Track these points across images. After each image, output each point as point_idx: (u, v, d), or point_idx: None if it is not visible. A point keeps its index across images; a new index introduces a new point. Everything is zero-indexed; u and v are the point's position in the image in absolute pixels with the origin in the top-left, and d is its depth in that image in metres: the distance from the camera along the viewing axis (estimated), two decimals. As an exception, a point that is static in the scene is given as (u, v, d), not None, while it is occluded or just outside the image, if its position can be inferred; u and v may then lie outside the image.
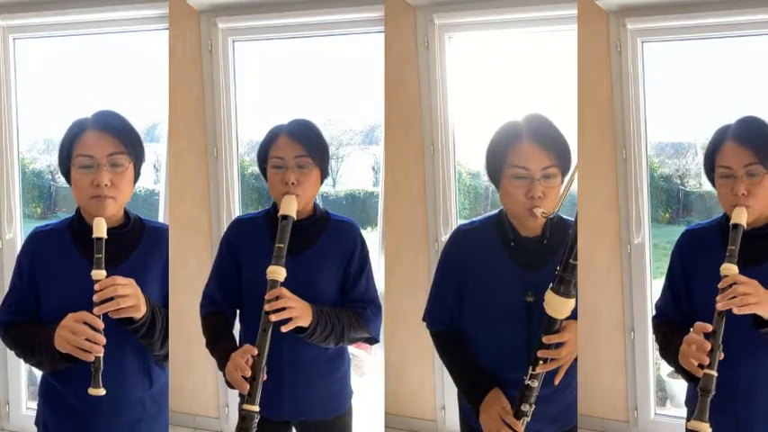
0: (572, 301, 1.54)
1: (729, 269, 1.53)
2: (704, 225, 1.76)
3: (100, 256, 1.64)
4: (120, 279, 1.62)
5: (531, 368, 1.59)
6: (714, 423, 1.54)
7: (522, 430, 1.62)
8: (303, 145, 1.79)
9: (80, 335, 1.59)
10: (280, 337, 1.70)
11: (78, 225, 1.76)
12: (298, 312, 1.70)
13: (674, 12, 2.79)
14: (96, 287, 1.60)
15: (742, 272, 1.53)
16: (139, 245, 1.78)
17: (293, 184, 1.77)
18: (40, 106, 3.20)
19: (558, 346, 1.58)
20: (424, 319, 1.89)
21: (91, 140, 1.68)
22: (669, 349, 1.67)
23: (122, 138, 1.70)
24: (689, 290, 1.72)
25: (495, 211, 1.79)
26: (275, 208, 1.83)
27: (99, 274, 1.62)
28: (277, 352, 1.75)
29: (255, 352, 1.65)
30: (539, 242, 1.71)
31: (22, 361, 1.92)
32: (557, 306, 1.54)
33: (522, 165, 1.63)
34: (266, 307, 1.67)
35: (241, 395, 1.71)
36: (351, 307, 1.86)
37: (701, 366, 1.51)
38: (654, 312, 1.84)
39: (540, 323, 1.59)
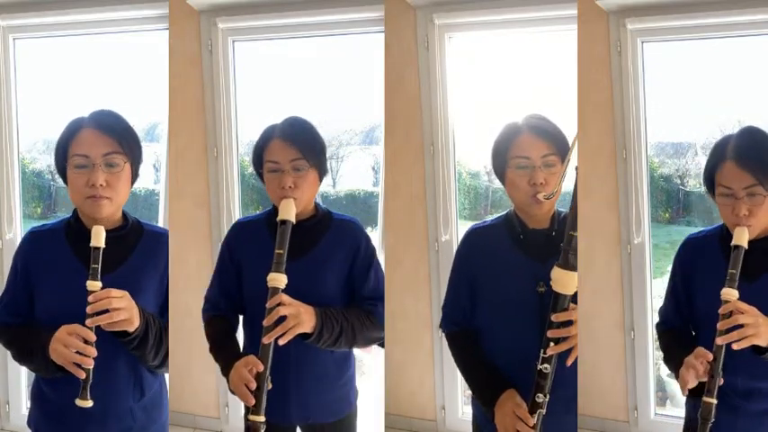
0: (576, 275, 1.56)
1: (730, 295, 1.53)
2: (706, 233, 1.76)
3: (96, 266, 1.61)
4: (114, 292, 1.60)
5: (542, 351, 1.59)
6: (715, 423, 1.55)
7: (534, 422, 1.60)
8: (298, 147, 1.76)
9: (71, 348, 1.58)
10: (286, 342, 1.68)
11: (75, 226, 1.74)
12: (297, 319, 1.66)
13: (674, 12, 2.79)
14: (90, 299, 1.58)
15: (743, 286, 1.54)
16: (136, 249, 1.75)
17: (290, 187, 1.75)
18: (40, 106, 3.20)
19: (568, 326, 1.59)
20: (440, 326, 1.88)
21: (86, 140, 1.66)
22: (672, 359, 1.69)
23: (119, 137, 1.67)
24: (690, 298, 1.73)
25: (506, 211, 1.82)
26: (276, 210, 1.79)
27: (94, 284, 1.60)
28: (284, 354, 1.72)
29: (261, 367, 1.63)
30: (547, 234, 1.73)
31: (21, 361, 1.92)
32: (563, 280, 1.56)
33: (522, 155, 1.69)
34: (265, 322, 1.64)
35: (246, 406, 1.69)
36: (360, 306, 1.83)
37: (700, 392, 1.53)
38: (658, 319, 1.84)
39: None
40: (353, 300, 1.85)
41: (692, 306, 1.73)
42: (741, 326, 1.51)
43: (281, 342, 1.66)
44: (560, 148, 1.69)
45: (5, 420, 3.23)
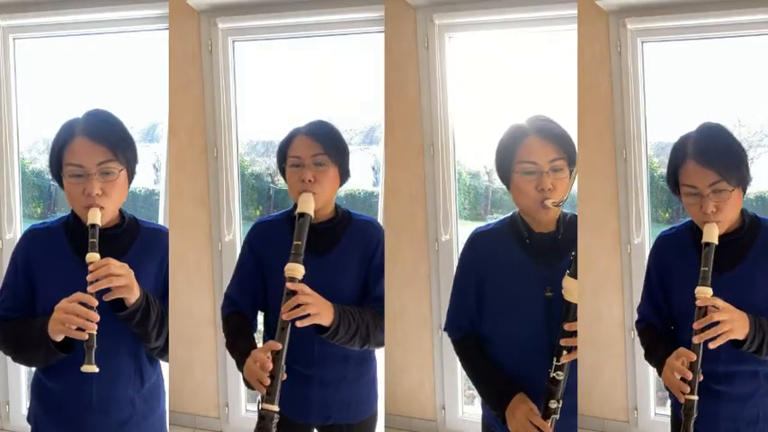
0: None
1: (704, 293, 1.55)
2: (678, 228, 1.77)
3: (94, 240, 1.63)
4: (113, 260, 1.62)
5: (555, 359, 1.60)
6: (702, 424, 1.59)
7: (551, 430, 1.61)
8: (320, 143, 1.80)
9: (73, 313, 1.59)
10: (309, 337, 1.71)
11: (74, 224, 1.75)
12: (316, 309, 1.68)
13: (674, 12, 2.80)
14: (90, 268, 1.60)
15: (715, 279, 1.56)
16: (133, 246, 1.76)
17: (310, 181, 1.77)
18: (40, 106, 3.20)
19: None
20: (445, 329, 1.88)
21: (80, 149, 1.65)
22: (653, 356, 1.72)
23: (112, 145, 1.67)
24: (666, 295, 1.74)
25: (510, 213, 1.80)
26: (296, 209, 1.81)
27: (93, 256, 1.62)
28: (307, 352, 1.77)
29: (279, 346, 1.64)
30: (553, 238, 1.72)
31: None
32: (575, 290, 1.57)
33: (530, 159, 1.66)
34: (283, 306, 1.66)
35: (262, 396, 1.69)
36: (372, 307, 1.84)
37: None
38: (637, 317, 1.85)
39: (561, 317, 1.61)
40: (365, 300, 1.85)
41: (669, 303, 1.74)
42: (717, 323, 1.53)
43: (300, 324, 1.66)
44: (568, 152, 1.67)
45: (5, 420, 3.23)
